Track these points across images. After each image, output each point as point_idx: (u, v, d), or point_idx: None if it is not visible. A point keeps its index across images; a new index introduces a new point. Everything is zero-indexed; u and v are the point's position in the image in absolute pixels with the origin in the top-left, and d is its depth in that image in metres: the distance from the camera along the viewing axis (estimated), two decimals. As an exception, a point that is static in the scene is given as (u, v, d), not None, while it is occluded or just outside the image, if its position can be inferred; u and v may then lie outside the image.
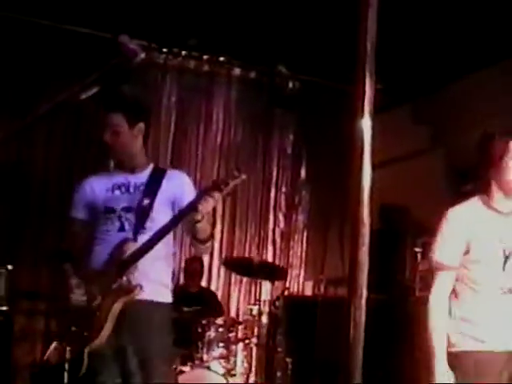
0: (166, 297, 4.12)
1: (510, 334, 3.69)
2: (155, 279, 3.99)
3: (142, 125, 4.13)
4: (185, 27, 7.43)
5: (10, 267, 6.01)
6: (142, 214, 4.00)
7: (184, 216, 3.90)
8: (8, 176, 7.32)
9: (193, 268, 7.64)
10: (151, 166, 4.25)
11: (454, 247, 3.81)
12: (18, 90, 7.56)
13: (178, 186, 4.16)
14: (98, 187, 4.15)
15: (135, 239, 3.94)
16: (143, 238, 3.93)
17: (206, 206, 3.77)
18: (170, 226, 3.94)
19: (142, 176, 4.14)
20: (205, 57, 8.31)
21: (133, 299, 3.87)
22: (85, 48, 7.40)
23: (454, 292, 3.80)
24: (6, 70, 7.51)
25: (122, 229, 4.02)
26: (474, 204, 3.92)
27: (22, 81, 7.58)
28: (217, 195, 3.77)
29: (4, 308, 5.91)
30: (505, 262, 3.69)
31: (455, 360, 3.69)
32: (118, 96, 4.26)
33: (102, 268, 3.96)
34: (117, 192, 4.10)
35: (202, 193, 3.83)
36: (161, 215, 4.01)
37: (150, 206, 4.01)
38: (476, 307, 3.73)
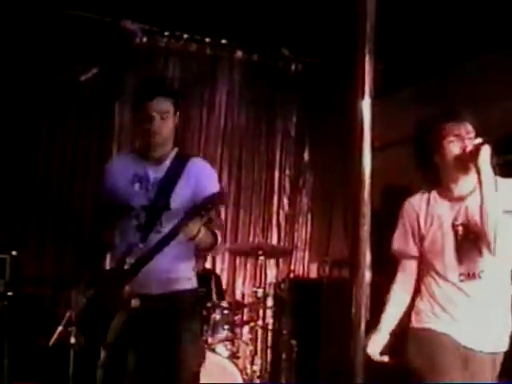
0: (188, 284, 4.03)
1: (472, 327, 3.68)
2: (167, 273, 3.91)
3: (178, 113, 4.03)
4: (186, 10, 7.40)
5: (14, 253, 6.02)
6: (157, 215, 3.86)
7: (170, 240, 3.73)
8: (12, 163, 7.33)
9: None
10: (174, 152, 4.06)
11: (410, 236, 3.95)
12: (20, 73, 7.54)
13: (195, 180, 3.96)
14: (119, 176, 4.01)
15: (144, 243, 3.80)
16: (152, 242, 3.79)
17: (188, 232, 3.61)
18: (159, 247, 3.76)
19: (162, 168, 3.97)
20: (207, 40, 8.29)
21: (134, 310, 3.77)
22: (86, 32, 7.38)
23: (418, 280, 3.84)
24: (8, 54, 7.50)
25: (140, 227, 3.89)
26: (427, 193, 3.94)
27: (24, 65, 7.56)
28: (198, 220, 3.58)
29: (9, 293, 5.93)
30: (458, 248, 3.69)
31: (416, 334, 3.76)
32: (164, 82, 4.25)
33: (115, 267, 3.88)
34: (137, 186, 3.93)
35: (183, 219, 3.62)
36: (178, 215, 3.75)
37: (166, 205, 3.87)
38: (437, 295, 3.75)
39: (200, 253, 4.14)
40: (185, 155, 4.13)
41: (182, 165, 3.99)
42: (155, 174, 3.94)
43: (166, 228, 3.76)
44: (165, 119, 3.90)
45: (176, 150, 4.07)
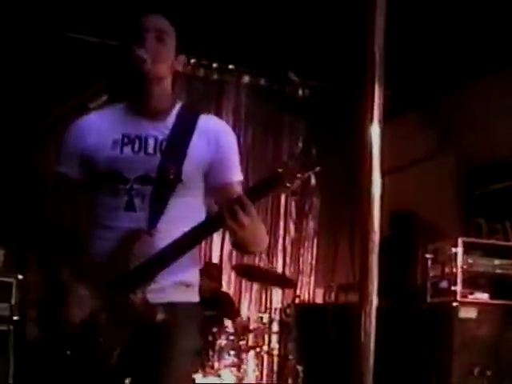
0: (192, 295, 2.87)
1: None
2: (179, 279, 2.77)
3: (183, 57, 3.01)
4: (194, 35, 7.43)
5: (20, 277, 6.01)
6: (166, 190, 2.73)
7: (207, 235, 2.75)
8: (19, 184, 7.34)
9: (210, 273, 7.56)
10: (178, 107, 2.91)
11: None
12: (28, 97, 7.58)
13: (215, 142, 2.84)
14: (99, 136, 2.80)
15: (150, 232, 2.68)
16: (162, 228, 2.69)
17: (244, 220, 2.54)
18: (188, 244, 2.67)
19: (166, 125, 2.81)
20: (214, 65, 8.32)
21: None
22: (94, 57, 7.43)
23: None
24: (16, 79, 7.55)
25: (131, 207, 2.73)
26: None
27: (31, 89, 7.61)
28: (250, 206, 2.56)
29: (15, 317, 5.91)
30: None
31: None
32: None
33: (103, 271, 2.69)
34: (127, 150, 2.76)
35: (236, 199, 2.56)
36: (191, 191, 2.80)
37: (177, 176, 2.72)
38: None
39: (244, 250, 2.99)
40: (193, 109, 3.03)
41: (191, 121, 2.87)
42: (156, 132, 2.78)
43: (184, 208, 2.77)
44: (163, 41, 2.85)
45: (180, 103, 2.95)
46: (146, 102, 2.82)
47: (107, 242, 2.71)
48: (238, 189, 2.79)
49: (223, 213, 2.55)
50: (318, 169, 2.75)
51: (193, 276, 2.88)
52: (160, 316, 2.66)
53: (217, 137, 2.85)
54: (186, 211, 2.76)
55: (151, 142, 2.76)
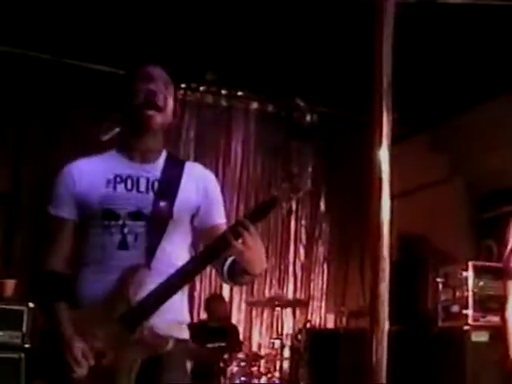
0: (186, 333, 2.91)
1: None
2: (173, 315, 2.80)
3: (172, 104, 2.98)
4: (202, 62, 7.49)
5: (31, 305, 6.01)
6: (158, 227, 2.80)
7: (214, 258, 2.75)
8: (32, 214, 7.38)
9: (214, 307, 7.56)
10: (164, 153, 2.97)
11: None
12: (42, 126, 7.65)
13: (203, 188, 2.97)
14: (92, 177, 2.84)
15: (149, 265, 2.72)
16: (156, 265, 2.74)
17: (250, 242, 2.64)
18: (195, 269, 2.78)
19: (155, 168, 2.89)
20: (223, 92, 8.36)
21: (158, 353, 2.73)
22: (106, 85, 7.48)
23: None
24: (31, 107, 7.62)
25: (123, 245, 2.76)
26: None
27: (45, 118, 7.67)
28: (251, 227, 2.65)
29: (27, 345, 5.92)
30: None
31: None
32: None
33: (103, 309, 2.70)
34: (120, 187, 2.82)
35: (236, 225, 2.67)
36: (181, 228, 2.89)
37: (169, 213, 2.81)
38: None
39: (242, 279, 2.90)
40: (176, 157, 3.13)
41: (179, 166, 2.98)
42: (147, 173, 2.86)
43: (175, 245, 2.85)
44: (168, 89, 2.90)
45: (165, 150, 3.00)
46: (139, 146, 2.89)
47: (100, 282, 2.73)
48: (223, 229, 2.85)
49: (227, 235, 2.64)
50: (309, 187, 2.86)
51: (186, 314, 2.95)
52: (170, 345, 2.73)
53: (205, 183, 2.99)
54: (175, 249, 2.85)
55: (143, 181, 2.84)
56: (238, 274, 2.84)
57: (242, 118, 8.72)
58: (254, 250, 2.68)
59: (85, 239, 2.85)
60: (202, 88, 8.21)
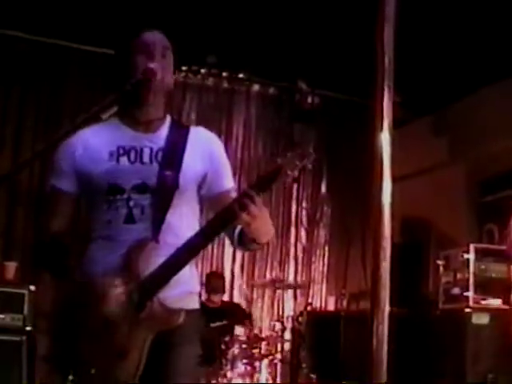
0: (197, 303, 2.89)
1: None
2: (184, 287, 2.76)
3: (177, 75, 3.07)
4: (204, 45, 7.47)
5: (32, 288, 6.02)
6: (164, 198, 2.76)
7: (221, 230, 2.70)
8: (31, 196, 7.38)
9: (215, 284, 7.56)
10: (168, 119, 2.95)
11: None
12: (40, 110, 7.64)
13: (209, 153, 2.95)
14: (94, 150, 2.80)
15: (156, 239, 2.69)
16: (164, 238, 2.71)
17: (254, 212, 2.61)
18: (202, 241, 2.70)
19: (159, 137, 2.85)
20: (224, 74, 8.34)
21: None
22: (105, 67, 7.48)
23: None
24: (28, 92, 7.61)
25: (130, 219, 2.73)
26: None
27: (44, 101, 7.66)
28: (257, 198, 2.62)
29: (28, 328, 5.93)
30: None
31: None
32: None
33: (111, 284, 2.64)
34: (124, 160, 2.78)
35: (242, 196, 2.64)
36: (187, 199, 2.85)
37: (175, 184, 2.77)
38: None
39: (251, 246, 2.88)
40: (181, 123, 3.19)
41: (183, 133, 2.93)
42: (150, 143, 2.82)
43: (182, 216, 2.81)
44: (166, 57, 2.87)
45: (169, 116, 2.99)
46: (143, 113, 2.85)
47: (108, 257, 2.69)
48: (233, 195, 2.87)
49: (233, 207, 2.59)
50: (313, 156, 2.76)
51: (196, 283, 2.93)
52: (181, 318, 2.66)
53: (209, 149, 2.96)
54: (182, 220, 2.81)
55: (146, 152, 2.80)
56: (247, 242, 2.83)
57: (243, 100, 8.70)
58: (260, 220, 2.67)
59: (91, 214, 2.82)
60: (203, 71, 8.19)
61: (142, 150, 2.80)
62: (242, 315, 7.17)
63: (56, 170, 2.87)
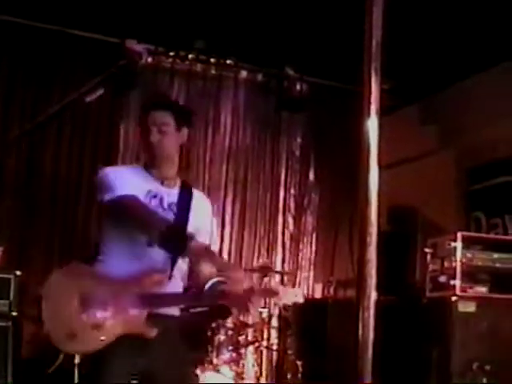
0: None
1: None
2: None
3: (185, 131, 3.73)
4: (192, 30, 7.43)
5: (18, 273, 5.99)
6: (178, 241, 3.40)
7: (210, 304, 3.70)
8: (19, 178, 7.35)
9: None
10: (179, 180, 3.75)
11: None
12: (27, 93, 7.59)
13: (204, 215, 3.75)
14: (134, 183, 3.55)
15: (170, 275, 3.50)
16: (176, 275, 3.55)
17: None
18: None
19: (173, 192, 3.65)
20: (212, 60, 8.30)
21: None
22: (93, 52, 7.44)
23: None
24: (17, 74, 7.56)
25: (150, 243, 3.48)
26: None
27: (31, 84, 7.62)
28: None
29: (14, 313, 5.90)
30: None
31: None
32: (165, 96, 4.04)
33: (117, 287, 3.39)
34: (153, 202, 3.57)
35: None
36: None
37: (185, 231, 3.49)
38: None
39: None
40: (188, 185, 3.83)
41: (189, 195, 3.69)
42: (168, 195, 3.58)
43: (179, 266, 3.56)
44: (163, 133, 3.56)
45: (179, 179, 3.77)
46: (156, 171, 3.63)
47: (125, 266, 3.41)
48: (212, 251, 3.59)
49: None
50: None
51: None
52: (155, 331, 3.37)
53: (205, 212, 3.79)
54: (182, 267, 3.62)
55: (165, 201, 3.57)
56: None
57: (231, 87, 8.66)
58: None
59: (121, 230, 3.52)
60: (190, 56, 8.14)
61: (162, 198, 3.61)
62: (222, 308, 7.14)
63: (114, 182, 3.54)
